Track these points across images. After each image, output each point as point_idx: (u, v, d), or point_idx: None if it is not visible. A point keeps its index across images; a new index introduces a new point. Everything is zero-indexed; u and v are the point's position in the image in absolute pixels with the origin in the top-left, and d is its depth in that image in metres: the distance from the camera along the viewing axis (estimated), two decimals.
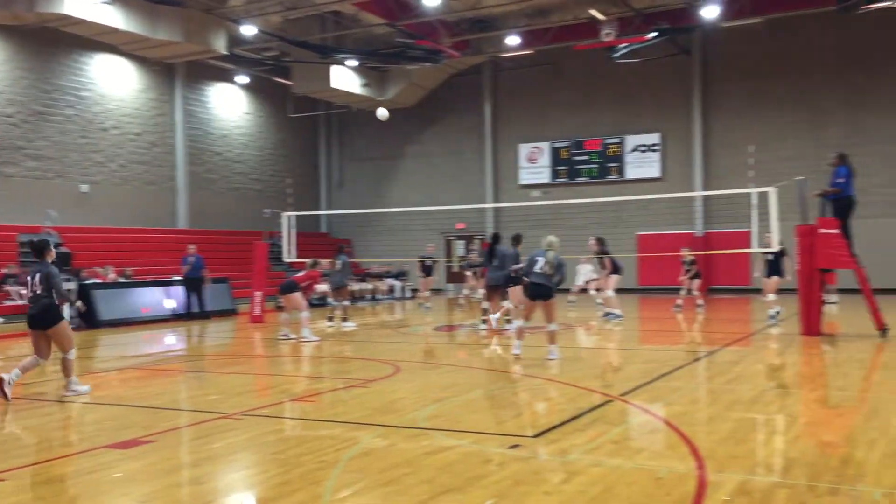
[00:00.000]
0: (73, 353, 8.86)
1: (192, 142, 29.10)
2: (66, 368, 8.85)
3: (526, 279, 11.05)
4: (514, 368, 10.41)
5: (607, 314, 17.61)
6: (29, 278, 8.95)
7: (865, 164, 25.28)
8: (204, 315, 19.80)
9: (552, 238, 11.00)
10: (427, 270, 22.95)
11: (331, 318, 17.54)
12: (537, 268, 10.66)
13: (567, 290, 21.65)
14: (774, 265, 16.48)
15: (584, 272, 22.29)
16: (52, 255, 9.08)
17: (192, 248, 19.89)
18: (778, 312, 16.57)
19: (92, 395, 8.93)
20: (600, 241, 18.04)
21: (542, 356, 11.17)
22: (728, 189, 25.87)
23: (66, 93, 24.93)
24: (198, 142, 29.45)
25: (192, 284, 19.90)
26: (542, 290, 10.64)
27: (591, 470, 5.52)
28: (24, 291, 9.05)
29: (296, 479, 5.44)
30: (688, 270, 19.73)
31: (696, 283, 19.58)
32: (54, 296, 8.79)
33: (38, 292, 8.76)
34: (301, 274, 15.27)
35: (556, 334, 11.02)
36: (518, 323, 11.27)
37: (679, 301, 19.80)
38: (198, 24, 23.26)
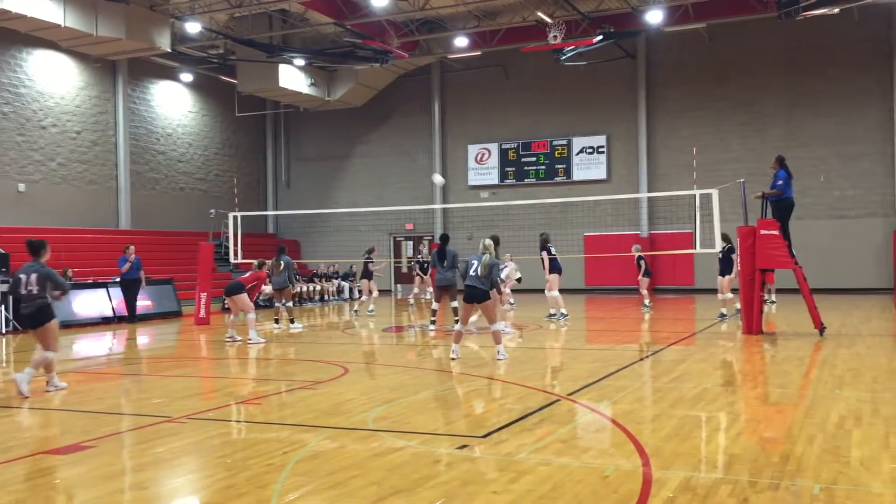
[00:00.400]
0: (55, 353, 9.19)
1: (134, 140, 28.53)
2: (48, 365, 9.11)
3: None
4: (456, 369, 10.44)
5: (551, 314, 17.72)
6: (23, 276, 9.04)
7: (803, 166, 26.04)
8: (133, 319, 19.23)
9: (488, 241, 11.08)
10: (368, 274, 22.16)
11: (277, 320, 17.38)
12: (472, 271, 10.74)
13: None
14: (726, 263, 16.72)
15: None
16: (48, 255, 9.37)
17: (131, 249, 19.22)
18: (723, 315, 16.88)
19: (28, 400, 8.70)
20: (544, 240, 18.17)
21: (490, 356, 11.23)
22: (672, 191, 26.35)
23: (3, 90, 24.23)
24: (141, 140, 28.89)
25: (131, 286, 19.36)
26: (477, 293, 10.71)
27: (539, 469, 5.56)
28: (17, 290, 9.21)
29: (242, 483, 5.37)
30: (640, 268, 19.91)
31: (646, 281, 19.72)
32: (48, 296, 9.04)
33: (34, 292, 8.96)
34: (247, 275, 15.08)
35: (500, 334, 11.07)
36: (458, 326, 11.23)
37: (647, 301, 19.81)
38: (141, 20, 22.81)
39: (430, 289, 19.47)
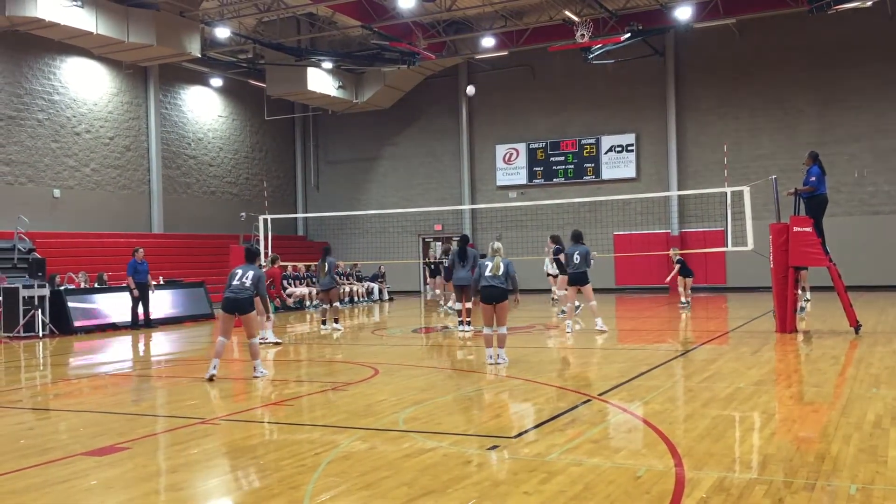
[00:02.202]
0: (257, 339, 10.34)
1: (166, 145, 28.88)
2: (253, 352, 10.23)
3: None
4: (486, 370, 10.42)
5: (563, 311, 17.57)
6: (239, 271, 10.24)
7: (837, 162, 25.69)
8: (149, 324, 19.17)
9: (498, 244, 11.07)
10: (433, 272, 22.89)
11: (324, 322, 17.30)
12: (487, 272, 10.69)
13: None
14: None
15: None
16: (260, 261, 10.64)
17: (140, 252, 19.14)
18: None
19: (66, 402, 8.83)
20: (555, 240, 18.44)
21: (516, 357, 11.20)
22: (703, 188, 26.12)
23: (38, 97, 24.65)
24: (172, 145, 29.23)
25: (144, 290, 19.09)
26: (495, 293, 10.61)
27: (571, 469, 5.54)
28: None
29: (275, 484, 5.41)
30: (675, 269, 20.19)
31: (688, 281, 20.05)
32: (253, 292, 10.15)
33: (247, 285, 10.05)
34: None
35: (505, 338, 10.99)
36: (487, 330, 11.01)
37: (684, 299, 20.15)
38: (171, 26, 23.08)
39: (437, 290, 19.65)
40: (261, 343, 13.92)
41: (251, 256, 10.63)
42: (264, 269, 15.07)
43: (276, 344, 14.35)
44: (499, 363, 10.72)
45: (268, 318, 14.57)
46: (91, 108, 26.27)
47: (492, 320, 10.77)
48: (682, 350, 12.32)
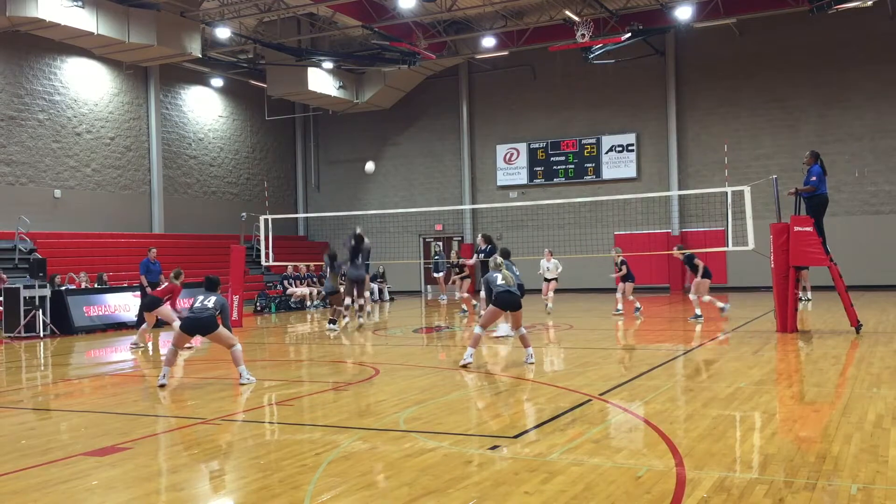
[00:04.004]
0: (238, 346, 10.17)
1: (167, 145, 28.89)
2: (235, 359, 10.10)
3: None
4: (487, 370, 10.42)
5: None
6: (202, 296, 10.13)
7: (837, 161, 25.68)
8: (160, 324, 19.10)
9: (499, 259, 11.20)
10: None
11: (360, 315, 17.29)
12: (500, 282, 10.72)
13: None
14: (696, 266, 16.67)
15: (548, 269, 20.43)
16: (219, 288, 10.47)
17: (153, 252, 19.16)
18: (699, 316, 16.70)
19: (66, 402, 8.84)
20: (487, 240, 17.89)
21: (517, 357, 11.20)
22: (703, 188, 26.12)
23: (39, 97, 24.66)
24: (173, 145, 29.24)
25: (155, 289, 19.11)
26: (515, 300, 10.71)
27: (572, 469, 5.54)
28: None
29: (276, 484, 5.41)
30: (619, 271, 18.68)
31: (629, 286, 18.56)
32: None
33: (209, 306, 9.91)
34: (162, 287, 14.87)
35: (528, 337, 11.05)
36: (479, 330, 11.00)
37: (620, 306, 18.84)
38: (171, 26, 23.09)
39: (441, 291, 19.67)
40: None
41: (212, 286, 10.35)
42: (165, 285, 14.85)
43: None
44: (529, 362, 10.68)
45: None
46: (92, 108, 26.27)
47: (494, 322, 10.77)
48: (683, 350, 12.32)
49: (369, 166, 19.64)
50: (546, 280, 19.83)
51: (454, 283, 21.18)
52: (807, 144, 24.58)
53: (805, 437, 6.44)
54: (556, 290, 20.04)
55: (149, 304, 14.28)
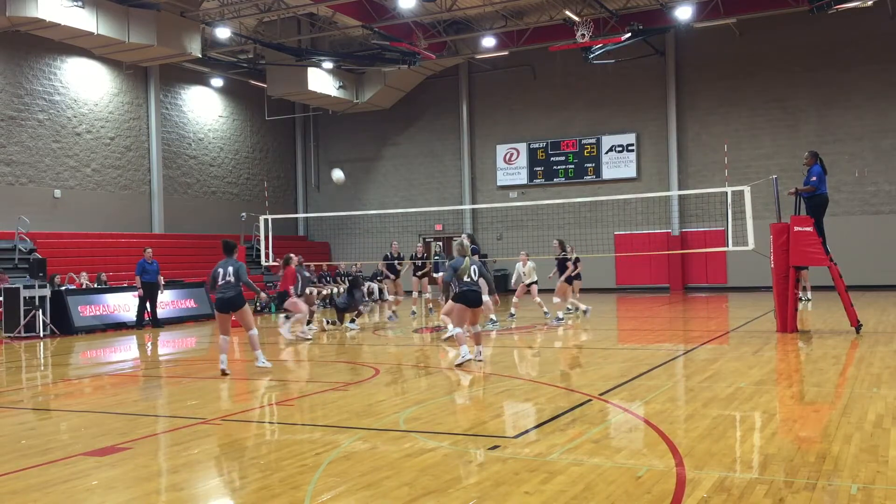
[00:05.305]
0: (255, 331, 10.65)
1: (167, 145, 28.89)
2: (253, 344, 10.62)
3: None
4: (486, 370, 10.42)
5: (558, 318, 17.26)
6: (220, 270, 10.50)
7: (838, 161, 25.68)
8: (157, 324, 19.13)
9: (466, 242, 11.23)
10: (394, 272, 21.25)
11: (338, 321, 17.49)
12: (466, 278, 10.71)
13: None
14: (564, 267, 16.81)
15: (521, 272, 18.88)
16: (237, 253, 10.83)
17: (149, 252, 19.14)
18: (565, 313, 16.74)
19: (66, 402, 8.84)
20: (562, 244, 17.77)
21: (518, 357, 11.21)
22: (703, 188, 26.12)
23: (39, 97, 24.66)
24: (173, 145, 29.24)
25: (152, 290, 19.05)
26: (480, 297, 10.81)
27: (571, 469, 5.54)
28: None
29: (276, 484, 5.41)
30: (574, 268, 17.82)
31: (576, 284, 17.97)
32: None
33: (231, 282, 10.35)
34: (282, 280, 15.63)
35: (481, 335, 11.13)
36: (460, 331, 10.87)
37: (570, 306, 18.25)
38: (171, 26, 23.09)
39: (416, 291, 19.45)
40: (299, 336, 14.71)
41: (229, 249, 10.70)
42: (282, 274, 15.42)
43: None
44: (481, 360, 10.77)
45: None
46: (92, 108, 26.27)
47: (467, 321, 10.75)
48: (683, 350, 12.32)
49: (336, 174, 18.36)
50: (526, 284, 17.92)
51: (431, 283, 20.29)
52: (807, 144, 24.59)
53: (805, 437, 6.44)
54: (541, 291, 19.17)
55: (281, 299, 15.63)
